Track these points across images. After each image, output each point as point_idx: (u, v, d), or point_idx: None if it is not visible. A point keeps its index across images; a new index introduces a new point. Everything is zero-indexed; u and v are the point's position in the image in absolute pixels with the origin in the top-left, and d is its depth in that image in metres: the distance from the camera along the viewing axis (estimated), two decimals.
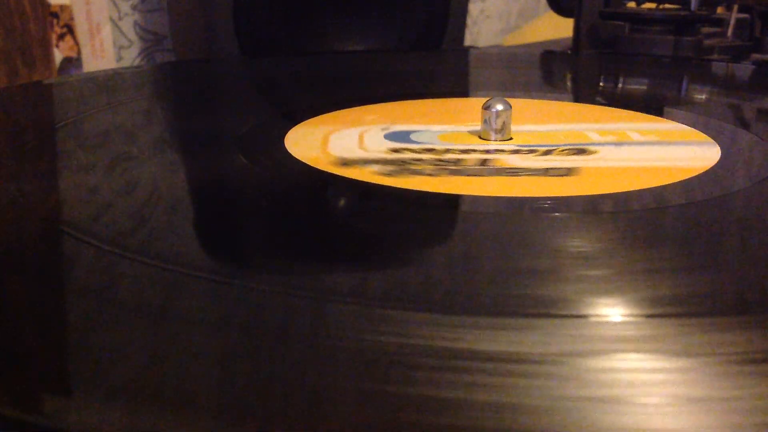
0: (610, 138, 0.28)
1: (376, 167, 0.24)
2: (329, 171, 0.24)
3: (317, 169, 0.24)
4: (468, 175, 0.24)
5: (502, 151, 0.27)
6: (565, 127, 0.30)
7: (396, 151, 0.27)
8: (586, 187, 0.22)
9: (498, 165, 0.25)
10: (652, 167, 0.25)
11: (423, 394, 0.12)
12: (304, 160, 0.25)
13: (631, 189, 0.22)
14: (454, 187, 0.23)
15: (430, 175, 0.24)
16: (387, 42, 0.58)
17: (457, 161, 0.25)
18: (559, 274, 0.17)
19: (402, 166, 0.25)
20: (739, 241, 0.19)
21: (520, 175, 0.24)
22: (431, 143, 0.28)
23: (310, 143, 0.27)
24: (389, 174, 0.24)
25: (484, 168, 0.24)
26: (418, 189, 0.22)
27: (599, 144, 0.27)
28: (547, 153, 0.26)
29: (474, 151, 0.27)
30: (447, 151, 0.26)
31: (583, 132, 0.29)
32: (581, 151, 0.26)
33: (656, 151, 0.27)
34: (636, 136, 0.29)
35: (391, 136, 0.29)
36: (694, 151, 0.26)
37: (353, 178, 0.23)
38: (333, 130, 0.30)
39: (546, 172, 0.24)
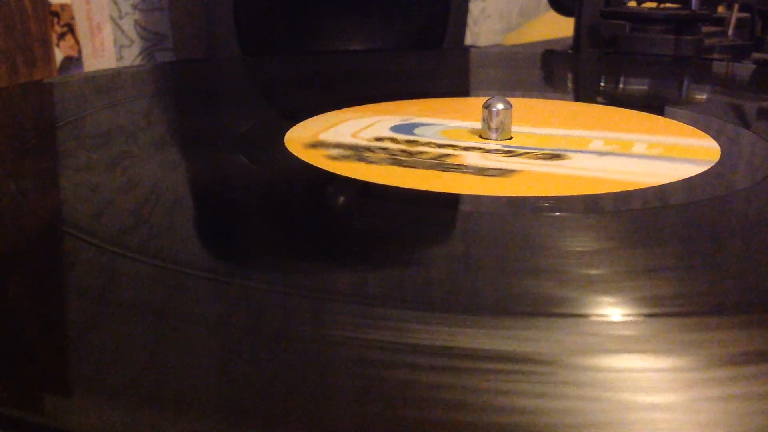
0: (610, 147, 0.27)
1: (332, 151, 0.26)
2: (296, 155, 0.25)
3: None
4: (407, 167, 0.24)
5: (478, 149, 0.27)
6: (570, 132, 0.30)
7: (378, 139, 0.28)
8: (509, 190, 0.22)
9: (452, 161, 0.25)
10: (607, 179, 0.23)
11: (423, 394, 0.12)
12: (295, 151, 0.26)
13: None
14: (385, 176, 0.23)
15: (374, 163, 0.25)
16: (387, 41, 0.58)
17: (416, 154, 0.26)
18: (559, 274, 0.17)
19: (357, 153, 0.26)
20: (740, 241, 0.19)
21: (453, 171, 0.24)
22: (429, 138, 0.28)
23: (315, 128, 0.29)
24: (336, 159, 0.25)
25: (433, 162, 0.25)
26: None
27: (579, 151, 0.27)
28: (520, 155, 0.26)
29: (450, 146, 0.27)
30: (421, 144, 0.27)
31: (586, 138, 0.29)
32: (555, 156, 0.26)
33: (635, 165, 0.25)
34: (639, 148, 0.27)
35: (397, 128, 0.29)
36: (675, 169, 0.24)
37: (307, 161, 0.25)
38: (351, 117, 0.31)
39: (481, 171, 0.24)
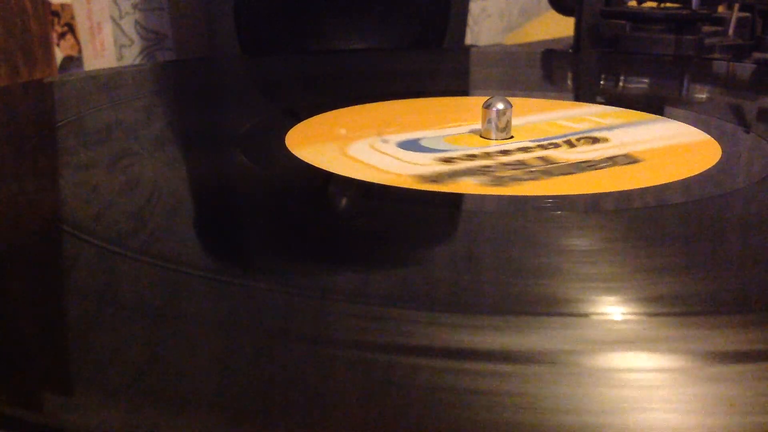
0: (612, 121, 0.28)
1: (470, 179, 0.23)
2: (412, 188, 0.22)
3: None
4: (560, 175, 0.23)
5: (528, 148, 0.26)
6: (564, 113, 0.30)
7: (447, 161, 0.25)
8: (649, 176, 0.23)
9: (560, 161, 0.25)
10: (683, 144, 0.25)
11: (424, 394, 0.12)
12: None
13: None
14: (558, 189, 0.22)
15: (532, 179, 0.23)
16: (388, 41, 0.58)
17: (520, 163, 0.25)
18: (560, 273, 0.17)
19: (493, 175, 0.23)
20: (740, 240, 0.19)
21: (599, 168, 0.24)
22: (443, 148, 0.27)
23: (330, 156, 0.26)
24: (493, 184, 0.23)
25: (563, 166, 0.24)
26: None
27: (603, 129, 0.27)
28: (569, 145, 0.26)
29: (510, 151, 0.26)
30: (488, 155, 0.26)
31: (579, 117, 0.29)
32: (595, 140, 0.27)
33: (662, 130, 0.27)
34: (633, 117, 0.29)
35: (404, 145, 0.28)
36: (690, 131, 0.26)
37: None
38: (346, 142, 0.28)
39: (613, 162, 0.24)
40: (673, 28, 0.52)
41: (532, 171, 0.24)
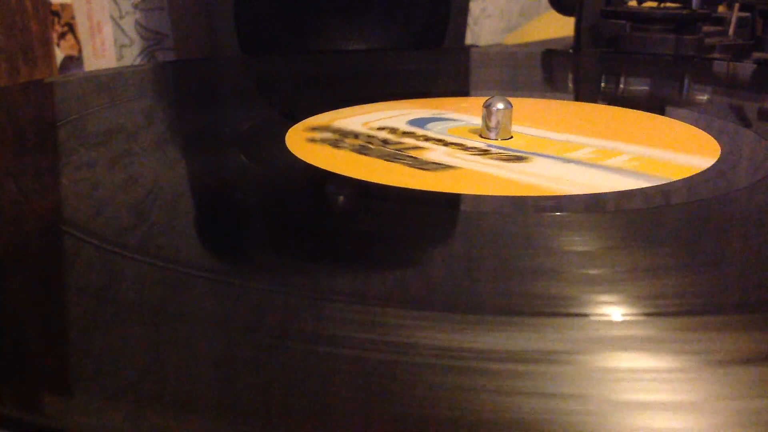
0: (591, 156, 0.26)
1: (317, 134, 0.28)
2: (295, 154, 0.26)
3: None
4: (363, 155, 0.26)
5: (458, 145, 0.27)
6: (568, 137, 0.29)
7: (381, 129, 0.29)
8: (430, 185, 0.23)
9: (411, 154, 0.26)
10: (536, 186, 0.23)
11: (424, 394, 0.12)
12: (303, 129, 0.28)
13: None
14: (332, 163, 0.25)
15: (340, 149, 0.26)
16: (388, 41, 0.58)
17: (391, 144, 0.27)
18: (560, 273, 0.17)
19: (336, 140, 0.27)
20: (740, 240, 0.19)
21: (396, 162, 0.25)
22: (432, 133, 0.29)
23: (341, 115, 0.31)
24: (314, 141, 0.27)
25: (389, 153, 0.26)
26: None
27: (547, 156, 0.26)
28: (484, 154, 0.26)
29: (436, 140, 0.28)
30: (414, 136, 0.28)
31: (577, 145, 0.28)
32: (518, 159, 0.26)
33: (588, 177, 0.24)
34: (617, 161, 0.26)
35: (413, 122, 0.31)
36: (624, 183, 0.23)
37: (306, 159, 0.25)
38: (381, 109, 0.33)
39: (422, 165, 0.25)
40: (673, 28, 0.52)
41: (368, 149, 0.26)
